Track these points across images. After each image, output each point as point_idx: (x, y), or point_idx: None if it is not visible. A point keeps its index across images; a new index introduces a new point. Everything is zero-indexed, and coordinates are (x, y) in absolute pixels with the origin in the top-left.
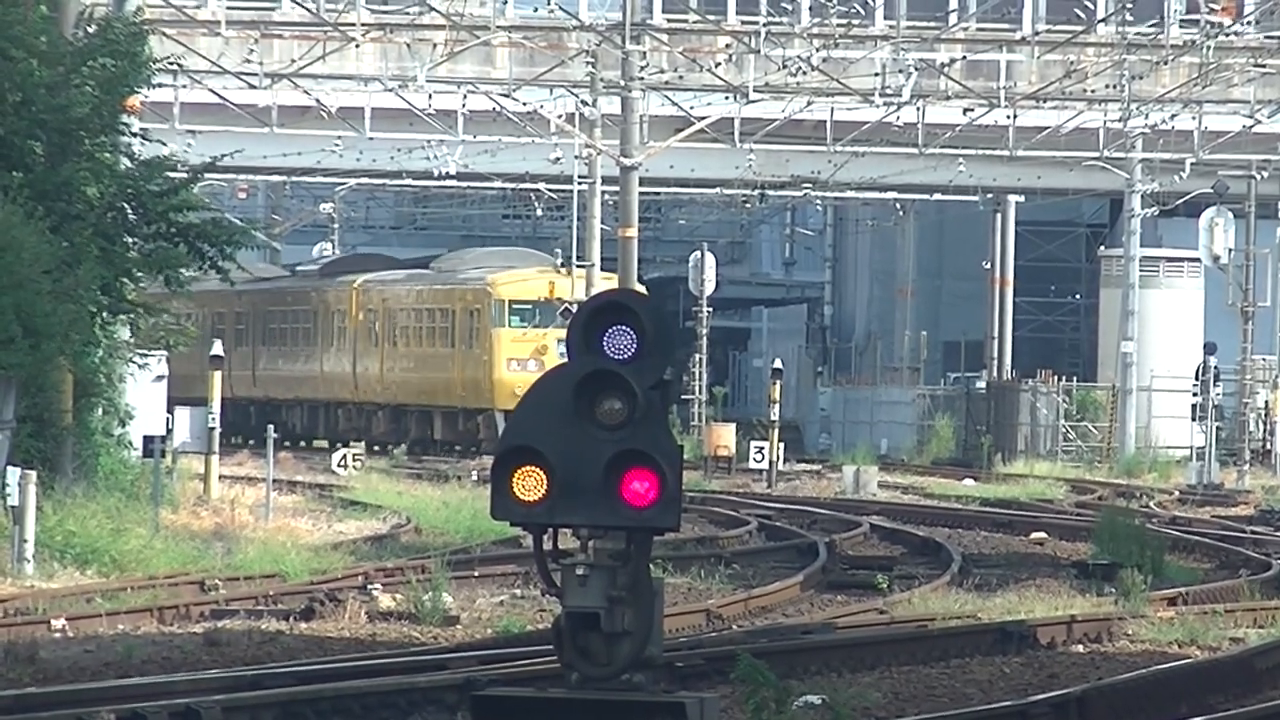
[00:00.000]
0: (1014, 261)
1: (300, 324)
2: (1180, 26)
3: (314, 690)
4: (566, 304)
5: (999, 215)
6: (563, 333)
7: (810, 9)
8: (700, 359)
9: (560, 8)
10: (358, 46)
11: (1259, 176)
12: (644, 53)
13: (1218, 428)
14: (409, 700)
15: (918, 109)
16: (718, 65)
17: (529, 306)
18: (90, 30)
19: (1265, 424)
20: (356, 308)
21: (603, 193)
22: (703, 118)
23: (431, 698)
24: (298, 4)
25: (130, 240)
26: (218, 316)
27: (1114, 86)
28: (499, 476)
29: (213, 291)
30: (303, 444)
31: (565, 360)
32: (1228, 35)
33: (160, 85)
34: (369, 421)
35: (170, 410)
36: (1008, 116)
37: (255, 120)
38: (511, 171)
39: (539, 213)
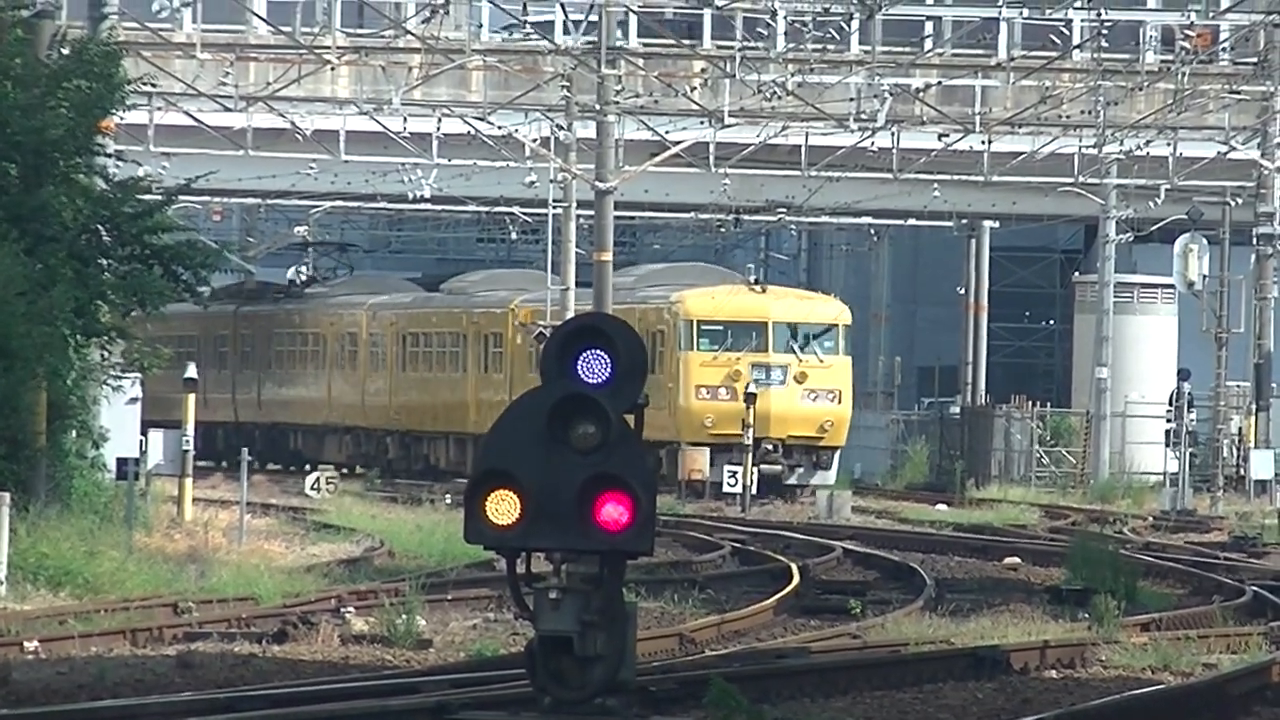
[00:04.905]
0: (988, 287)
1: (448, 347)
2: (1155, 53)
3: (287, 713)
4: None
5: (973, 241)
6: (758, 356)
7: (785, 34)
8: None
9: (536, 32)
10: (333, 70)
11: (1233, 203)
12: (619, 77)
13: (1191, 454)
14: None
15: (892, 134)
16: (693, 90)
17: (720, 327)
18: (65, 52)
19: (1239, 450)
20: (513, 330)
21: (577, 216)
22: (678, 142)
23: None
24: (273, 27)
25: (105, 263)
26: (349, 338)
27: (1089, 113)
28: (472, 500)
29: (334, 309)
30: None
31: (757, 386)
32: (1202, 62)
33: (135, 107)
34: None
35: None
36: (982, 142)
37: (230, 143)
38: (486, 195)
39: (513, 236)
